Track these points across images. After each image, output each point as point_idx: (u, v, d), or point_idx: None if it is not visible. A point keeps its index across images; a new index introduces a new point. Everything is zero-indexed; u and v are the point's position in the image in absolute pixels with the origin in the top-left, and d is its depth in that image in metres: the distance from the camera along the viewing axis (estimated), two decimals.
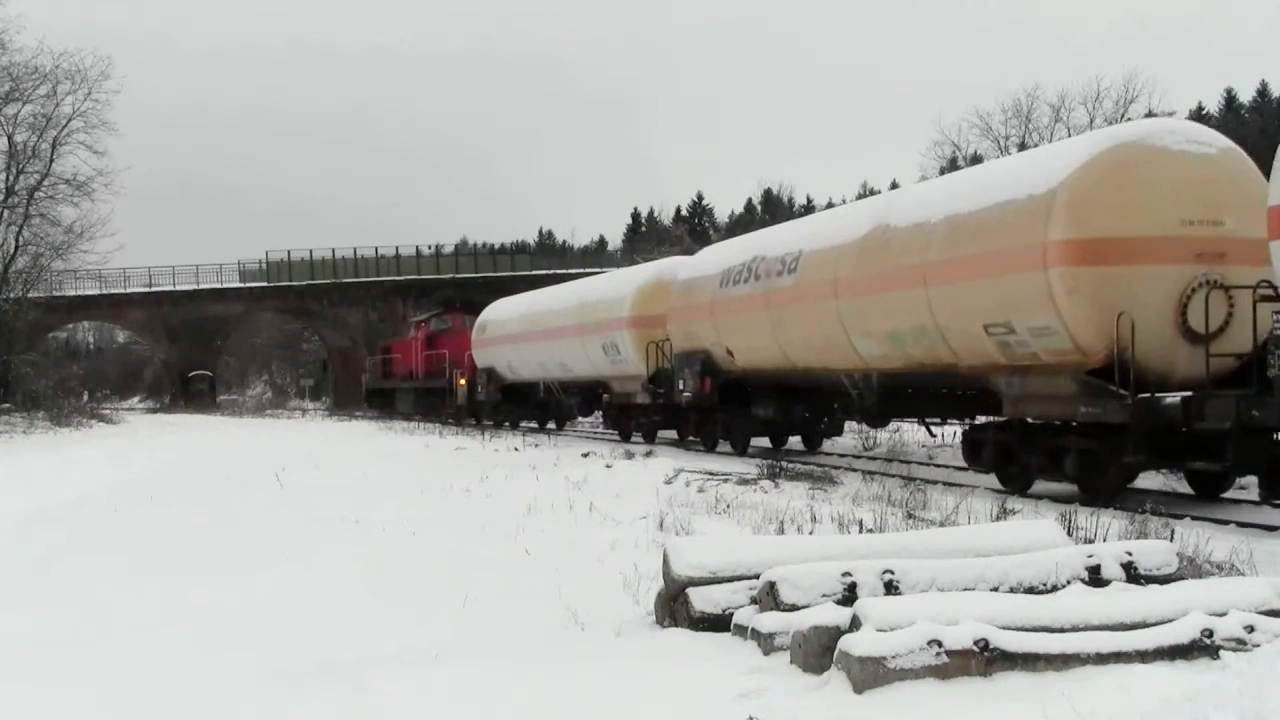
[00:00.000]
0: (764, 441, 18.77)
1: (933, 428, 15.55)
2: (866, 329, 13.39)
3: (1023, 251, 10.55)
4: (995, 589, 4.92)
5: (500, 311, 29.57)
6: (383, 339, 47.36)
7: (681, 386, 18.37)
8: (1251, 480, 12.51)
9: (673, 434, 21.76)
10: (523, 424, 29.83)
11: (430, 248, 66.08)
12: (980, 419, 13.43)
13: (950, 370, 12.44)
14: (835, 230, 14.54)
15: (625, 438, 22.33)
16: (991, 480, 13.19)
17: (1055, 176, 10.45)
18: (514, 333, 27.55)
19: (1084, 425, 10.54)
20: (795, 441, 19.17)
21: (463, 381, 31.07)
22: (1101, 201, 10.14)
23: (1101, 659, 4.17)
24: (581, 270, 50.43)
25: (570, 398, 26.33)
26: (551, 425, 29.64)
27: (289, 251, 60.21)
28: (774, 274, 15.62)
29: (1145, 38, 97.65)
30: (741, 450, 17.52)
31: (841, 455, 17.32)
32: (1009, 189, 11.08)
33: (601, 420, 25.51)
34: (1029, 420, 11.64)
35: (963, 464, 15.65)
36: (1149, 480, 11.80)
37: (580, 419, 29.68)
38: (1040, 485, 11.58)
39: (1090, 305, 10.14)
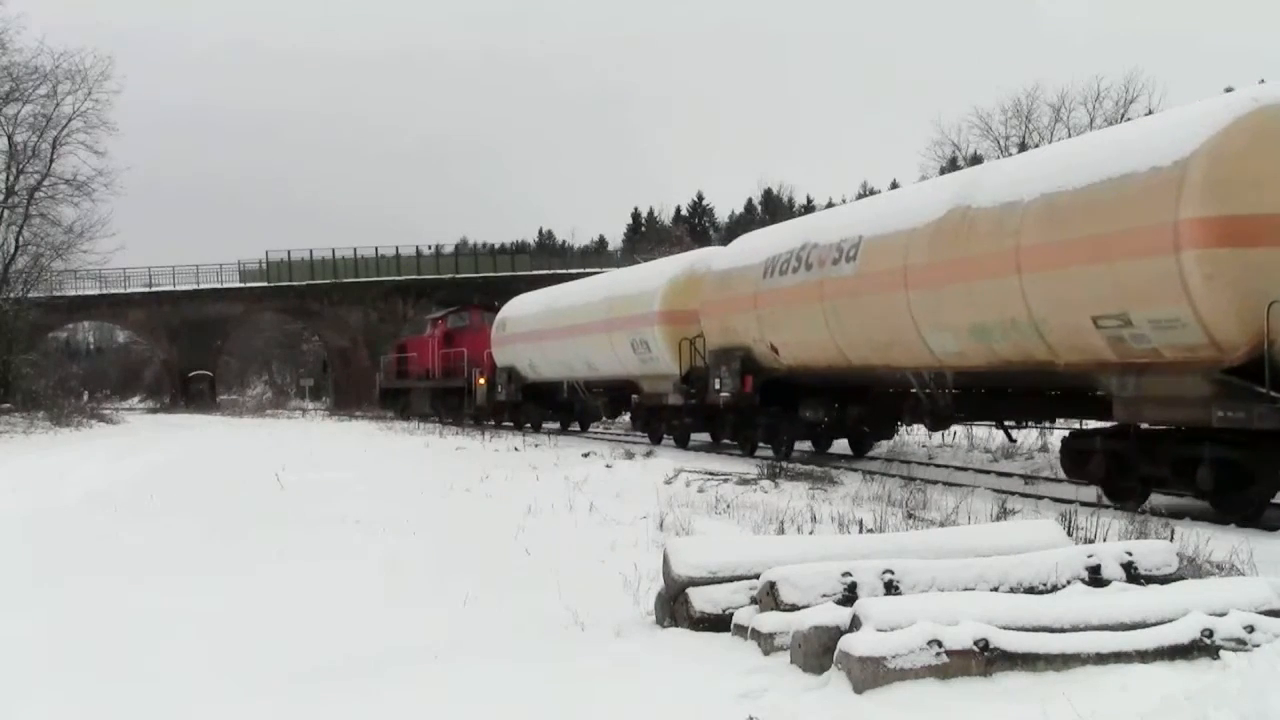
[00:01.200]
0: (805, 445, 17.50)
1: (1010, 431, 14.10)
2: (942, 322, 11.93)
3: (1145, 232, 9.20)
4: (995, 589, 4.92)
5: (521, 307, 28.12)
6: (396, 337, 47.07)
7: (718, 386, 16.94)
8: None
9: (706, 437, 20.79)
10: (545, 426, 28.42)
11: (430, 248, 66.24)
12: (1084, 424, 12.14)
13: (1044, 368, 10.93)
14: (903, 213, 12.87)
15: (655, 440, 21.12)
16: (992, 480, 13.16)
17: (1186, 145, 9.05)
18: (536, 330, 26.12)
19: (1221, 432, 9.16)
20: (836, 445, 17.82)
21: (482, 381, 29.73)
22: (1246, 173, 8.76)
23: (1101, 659, 4.17)
24: (582, 270, 50.45)
25: (596, 398, 24.96)
26: (575, 427, 28.52)
27: (289, 251, 60.42)
28: (829, 262, 14.01)
29: (1144, 38, 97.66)
30: (785, 455, 16.09)
31: (841, 455, 17.03)
32: (1124, 161, 9.66)
33: (630, 422, 24.01)
34: (1145, 426, 10.24)
35: (963, 464, 15.61)
36: None
37: (607, 421, 28.30)
38: (1158, 499, 10.22)
39: (1232, 293, 8.75)
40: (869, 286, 13.12)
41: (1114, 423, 10.45)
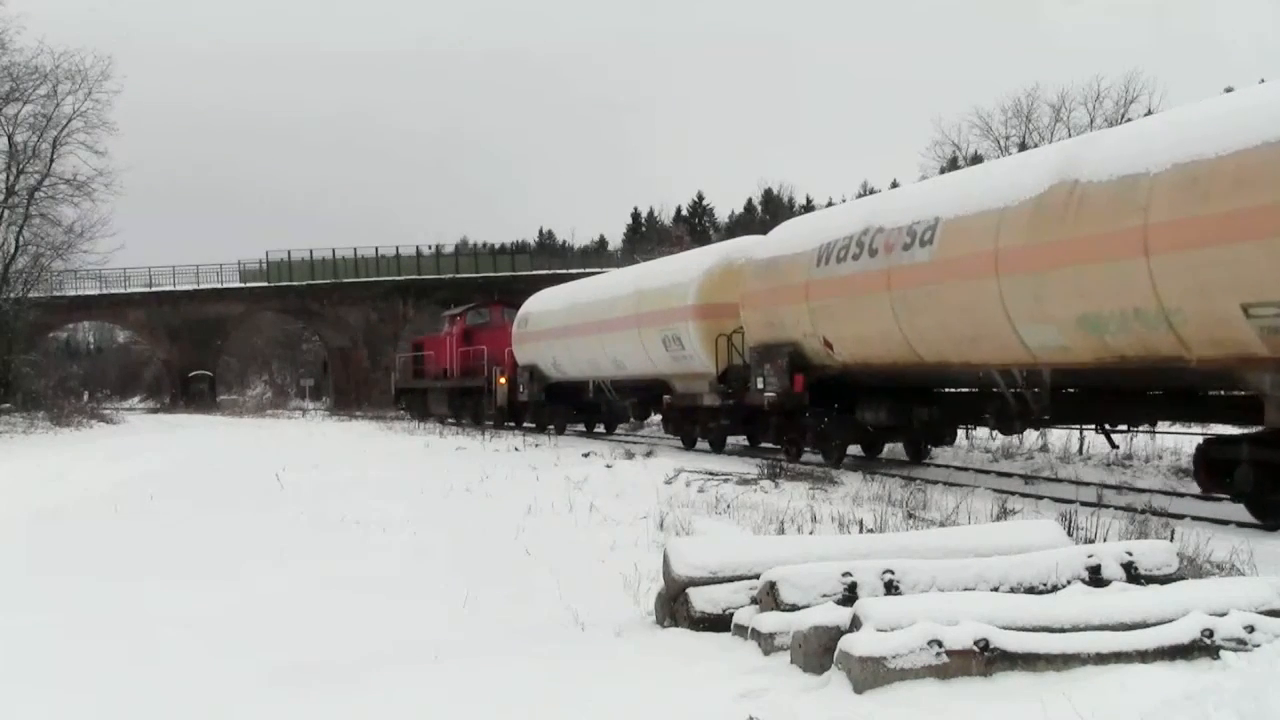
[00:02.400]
0: (854, 450, 15.97)
1: (1112, 437, 12.46)
2: (1042, 313, 10.53)
3: None
4: (995, 589, 4.92)
5: (544, 303, 26.50)
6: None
7: (761, 385, 15.57)
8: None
9: (744, 440, 19.50)
10: (569, 428, 26.84)
11: (430, 248, 66.29)
12: (1216, 429, 10.95)
13: (1169, 365, 9.57)
14: (992, 190, 11.40)
15: (689, 444, 19.75)
16: (992, 480, 13.07)
17: None
18: (560, 326, 24.52)
19: None
20: (881, 449, 16.60)
21: (503, 380, 28.15)
22: None
23: (1102, 659, 4.17)
24: (582, 270, 50.45)
25: (624, 398, 23.47)
26: (600, 429, 26.86)
27: (289, 251, 60.45)
28: (898, 247, 12.54)
29: (1146, 37, 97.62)
30: (836, 462, 14.76)
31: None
32: None
33: (662, 425, 22.20)
34: None
35: (963, 464, 15.32)
36: None
37: (635, 422, 26.55)
38: None
39: None
40: (948, 274, 11.69)
41: (1262, 428, 9.07)
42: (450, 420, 32.13)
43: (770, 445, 17.72)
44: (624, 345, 21.17)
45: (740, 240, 20.06)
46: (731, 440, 19.20)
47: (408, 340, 42.76)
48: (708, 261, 18.93)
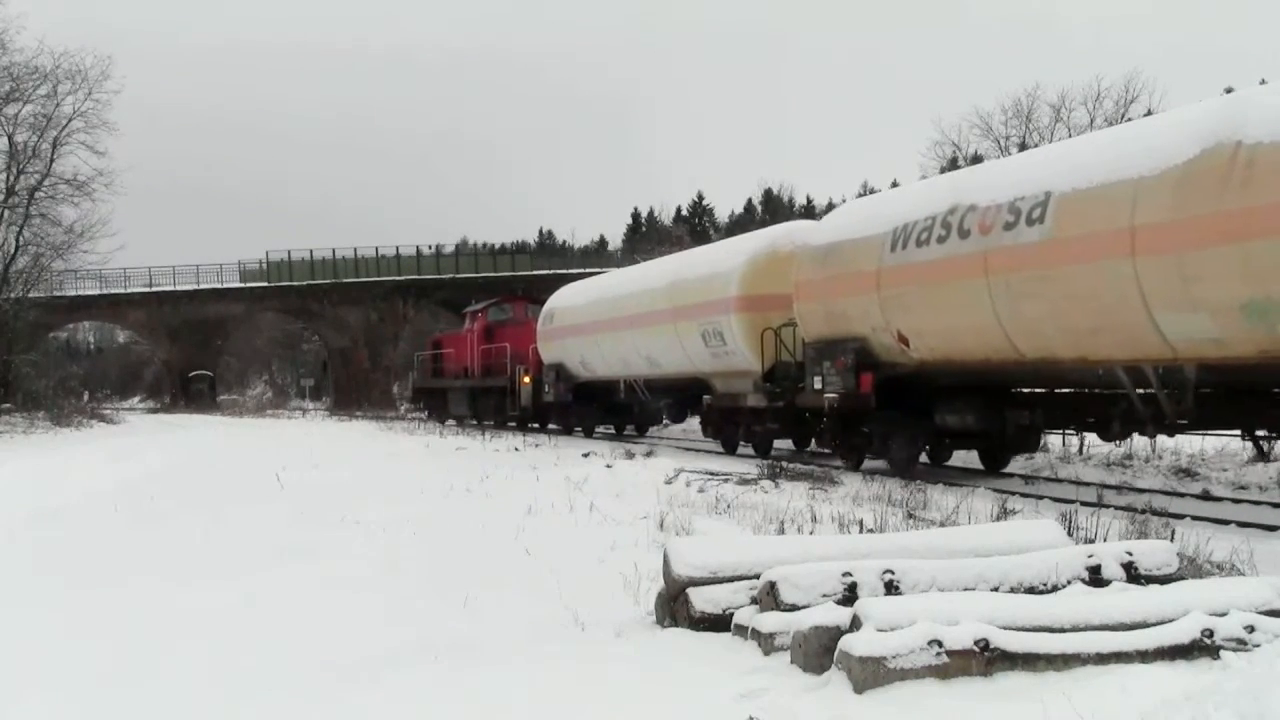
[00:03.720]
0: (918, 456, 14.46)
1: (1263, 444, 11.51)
2: (1190, 300, 9.13)
3: None
4: (996, 589, 4.91)
5: (571, 297, 25.09)
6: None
7: (819, 384, 14.12)
8: (1250, 479, 12.52)
9: (790, 444, 17.96)
10: (598, 430, 25.25)
11: (430, 248, 66.31)
12: None
13: None
14: (1123, 158, 9.93)
15: (730, 449, 18.28)
16: (992, 480, 13.06)
17: None
18: (587, 321, 23.03)
19: None
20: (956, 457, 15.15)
21: (527, 380, 26.66)
22: None
23: (1102, 659, 4.16)
24: (582, 270, 50.44)
25: (658, 399, 22.07)
26: (631, 431, 25.37)
27: (289, 251, 60.51)
28: (998, 227, 11.08)
29: (1144, 37, 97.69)
30: (902, 472, 13.16)
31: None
32: None
33: (701, 428, 20.39)
34: None
35: (962, 464, 14.91)
36: None
37: (670, 425, 24.98)
38: None
39: None
40: (1066, 256, 10.29)
41: None
42: (471, 421, 30.84)
43: (821, 450, 16.31)
44: (658, 341, 19.73)
45: (788, 225, 18.60)
46: (779, 445, 17.88)
47: (427, 338, 40.92)
48: (751, 248, 17.36)
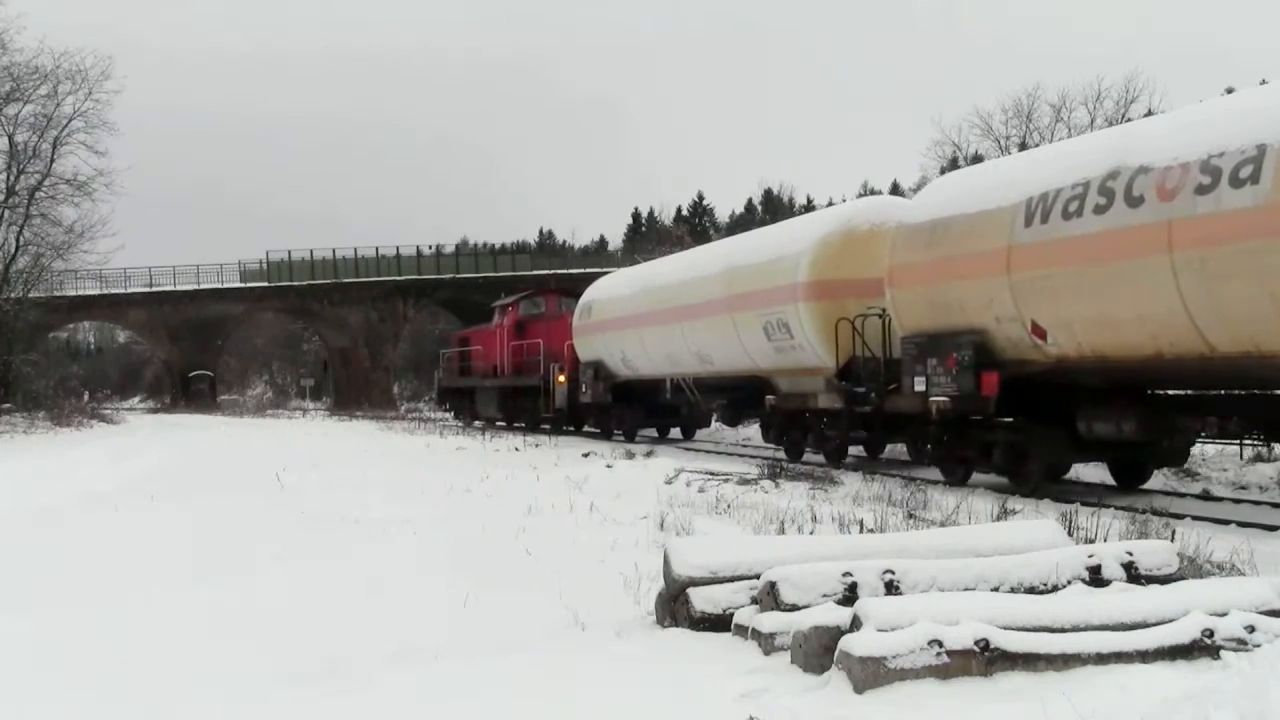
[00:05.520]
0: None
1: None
2: None
3: None
4: (996, 589, 4.92)
5: (611, 288, 23.11)
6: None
7: (920, 385, 12.30)
8: (1250, 479, 12.53)
9: (860, 452, 16.17)
10: (640, 433, 23.48)
11: (430, 248, 66.36)
12: None
13: None
14: None
15: (795, 457, 16.08)
16: (992, 480, 13.07)
17: None
18: (630, 314, 21.08)
19: None
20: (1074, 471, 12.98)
21: (562, 379, 24.80)
22: None
23: (1102, 659, 4.16)
24: (582, 270, 50.42)
25: (710, 399, 20.30)
26: (676, 434, 23.61)
27: (289, 251, 60.52)
28: (1186, 191, 9.11)
29: (1146, 37, 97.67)
30: (1035, 489, 11.27)
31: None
32: None
33: (761, 432, 18.27)
34: None
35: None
36: None
37: (721, 427, 23.05)
38: None
39: None
40: None
41: None
42: (501, 424, 29.31)
43: (912, 461, 14.47)
44: (712, 335, 17.78)
45: (868, 200, 16.96)
46: (853, 453, 16.12)
47: (453, 334, 38.82)
48: (823, 228, 15.37)
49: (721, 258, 18.18)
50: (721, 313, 17.30)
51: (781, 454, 16.33)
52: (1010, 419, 11.78)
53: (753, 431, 20.57)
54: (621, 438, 22.67)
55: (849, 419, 14.67)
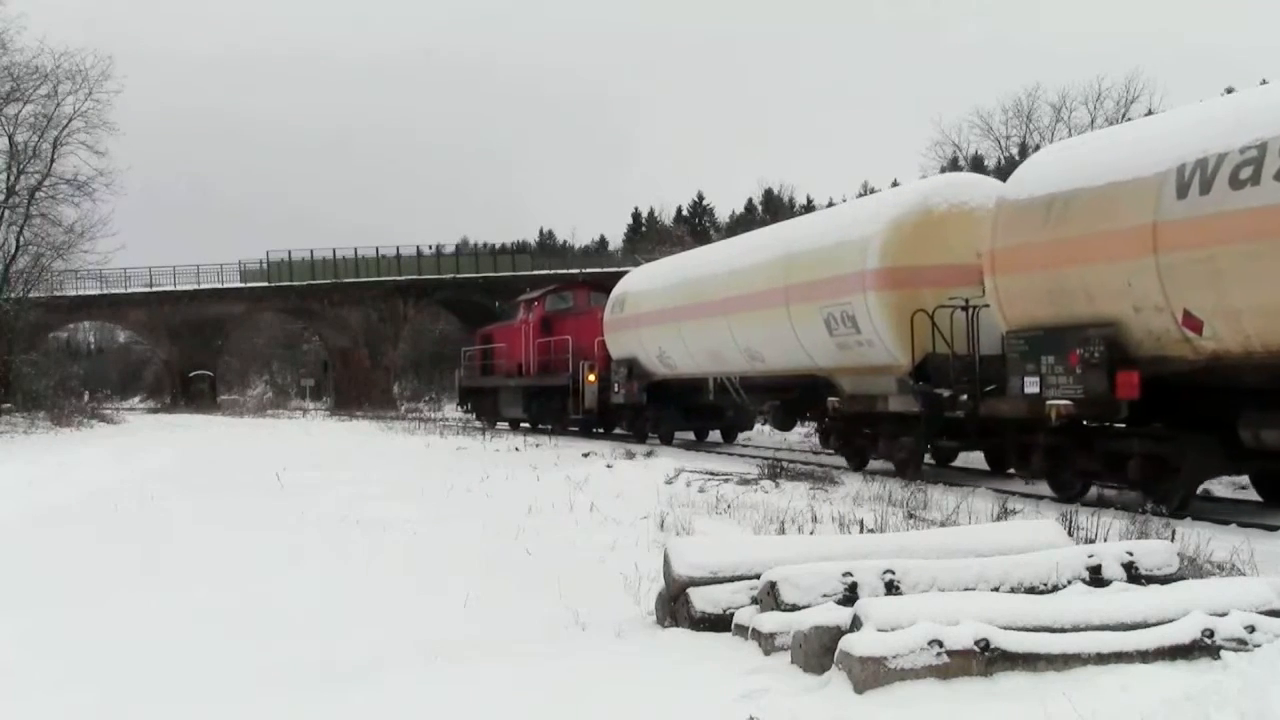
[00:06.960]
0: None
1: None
2: None
3: None
4: (996, 589, 4.91)
5: (647, 279, 21.35)
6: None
7: (1033, 387, 10.59)
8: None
9: (928, 460, 14.21)
10: (678, 437, 22.02)
11: (430, 248, 66.42)
12: None
13: None
14: None
15: (859, 466, 14.48)
16: (993, 480, 13.04)
17: None
18: (668, 307, 19.27)
19: None
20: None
21: (592, 378, 23.26)
22: None
23: (1102, 659, 4.16)
24: (583, 271, 50.44)
25: (758, 400, 18.67)
26: (715, 437, 22.22)
27: (289, 252, 60.59)
28: None
29: (1145, 36, 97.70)
30: (1179, 509, 9.56)
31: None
32: None
33: (820, 438, 16.70)
34: None
35: (963, 464, 14.41)
36: None
37: (763, 430, 21.38)
38: None
39: None
40: None
41: None
42: (525, 426, 28.02)
43: (1017, 473, 12.31)
44: (763, 329, 16.05)
45: (945, 177, 15.31)
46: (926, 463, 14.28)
47: (476, 331, 36.26)
48: (896, 209, 13.58)
49: (776, 244, 16.30)
50: (776, 304, 15.51)
51: (842, 461, 15.00)
52: (1146, 426, 10.18)
53: (794, 436, 19.14)
54: (657, 440, 21.36)
55: (928, 424, 12.98)
